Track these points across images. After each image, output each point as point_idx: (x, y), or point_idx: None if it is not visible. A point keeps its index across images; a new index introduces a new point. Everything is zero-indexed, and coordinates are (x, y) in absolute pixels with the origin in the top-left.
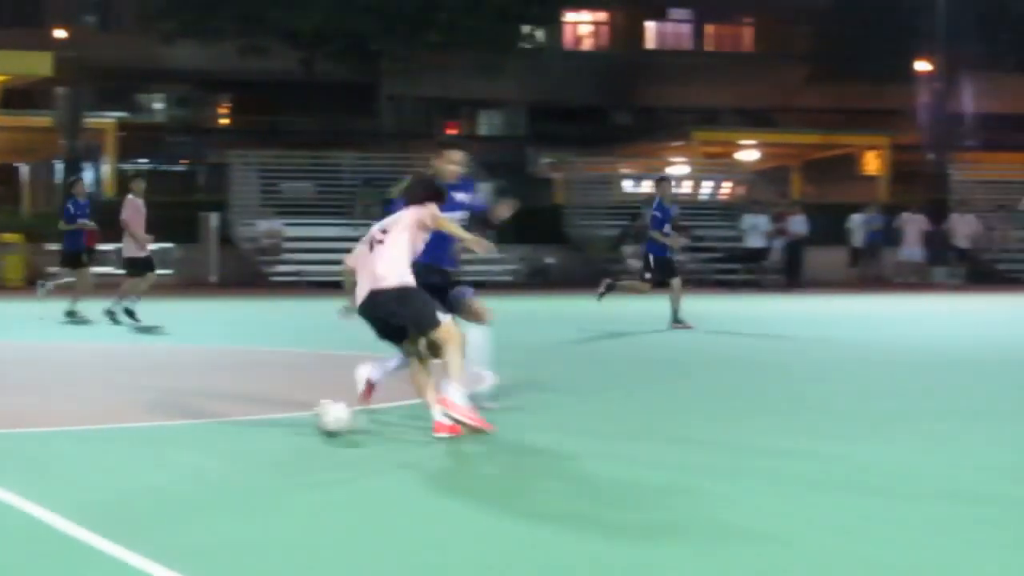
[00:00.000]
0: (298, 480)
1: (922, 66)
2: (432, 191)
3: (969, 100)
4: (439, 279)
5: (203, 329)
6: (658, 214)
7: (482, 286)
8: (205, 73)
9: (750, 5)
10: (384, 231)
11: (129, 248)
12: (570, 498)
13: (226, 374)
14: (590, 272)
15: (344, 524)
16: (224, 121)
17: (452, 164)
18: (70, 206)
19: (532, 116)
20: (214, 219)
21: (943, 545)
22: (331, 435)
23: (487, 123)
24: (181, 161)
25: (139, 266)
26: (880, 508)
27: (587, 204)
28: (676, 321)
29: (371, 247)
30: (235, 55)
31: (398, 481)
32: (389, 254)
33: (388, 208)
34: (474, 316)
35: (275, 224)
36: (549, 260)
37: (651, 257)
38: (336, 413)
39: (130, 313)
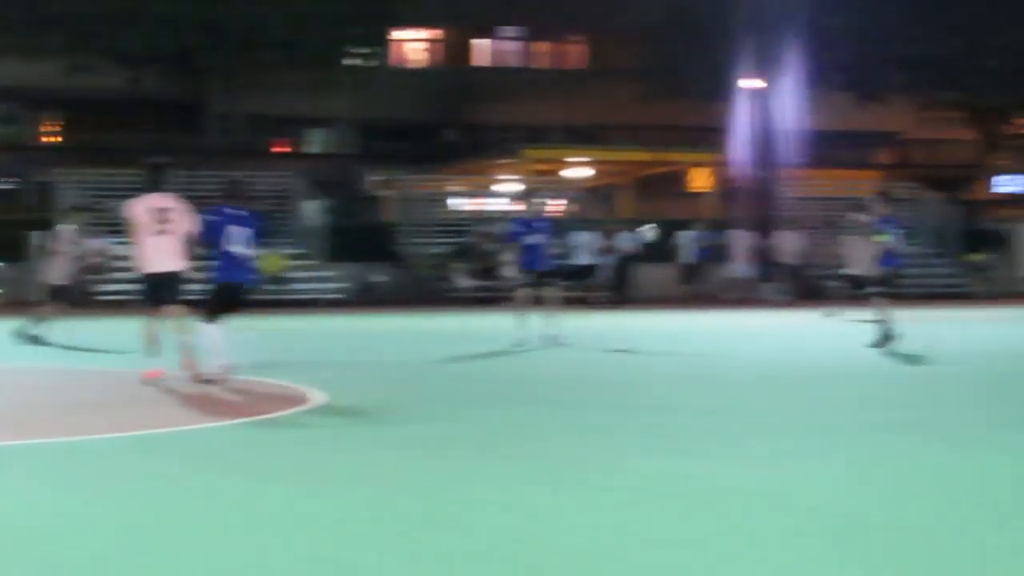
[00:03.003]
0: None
1: (749, 83)
2: None
3: (796, 117)
4: None
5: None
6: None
7: (313, 304)
8: (31, 91)
9: (579, 23)
10: None
11: None
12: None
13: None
14: (419, 289)
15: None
16: (51, 139)
17: None
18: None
19: (362, 133)
20: (38, 238)
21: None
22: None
23: (317, 140)
24: (7, 179)
25: None
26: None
27: (417, 221)
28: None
29: None
30: (62, 73)
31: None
32: None
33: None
34: None
35: (102, 242)
36: (380, 278)
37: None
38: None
39: None
